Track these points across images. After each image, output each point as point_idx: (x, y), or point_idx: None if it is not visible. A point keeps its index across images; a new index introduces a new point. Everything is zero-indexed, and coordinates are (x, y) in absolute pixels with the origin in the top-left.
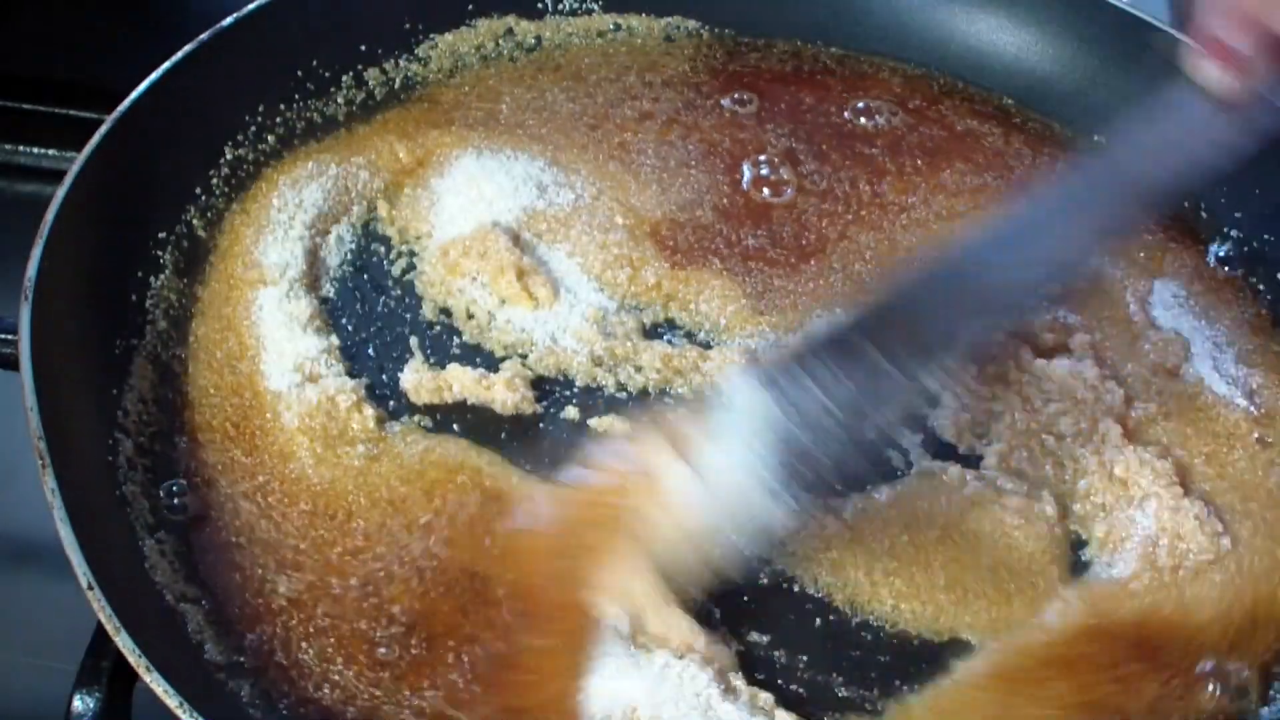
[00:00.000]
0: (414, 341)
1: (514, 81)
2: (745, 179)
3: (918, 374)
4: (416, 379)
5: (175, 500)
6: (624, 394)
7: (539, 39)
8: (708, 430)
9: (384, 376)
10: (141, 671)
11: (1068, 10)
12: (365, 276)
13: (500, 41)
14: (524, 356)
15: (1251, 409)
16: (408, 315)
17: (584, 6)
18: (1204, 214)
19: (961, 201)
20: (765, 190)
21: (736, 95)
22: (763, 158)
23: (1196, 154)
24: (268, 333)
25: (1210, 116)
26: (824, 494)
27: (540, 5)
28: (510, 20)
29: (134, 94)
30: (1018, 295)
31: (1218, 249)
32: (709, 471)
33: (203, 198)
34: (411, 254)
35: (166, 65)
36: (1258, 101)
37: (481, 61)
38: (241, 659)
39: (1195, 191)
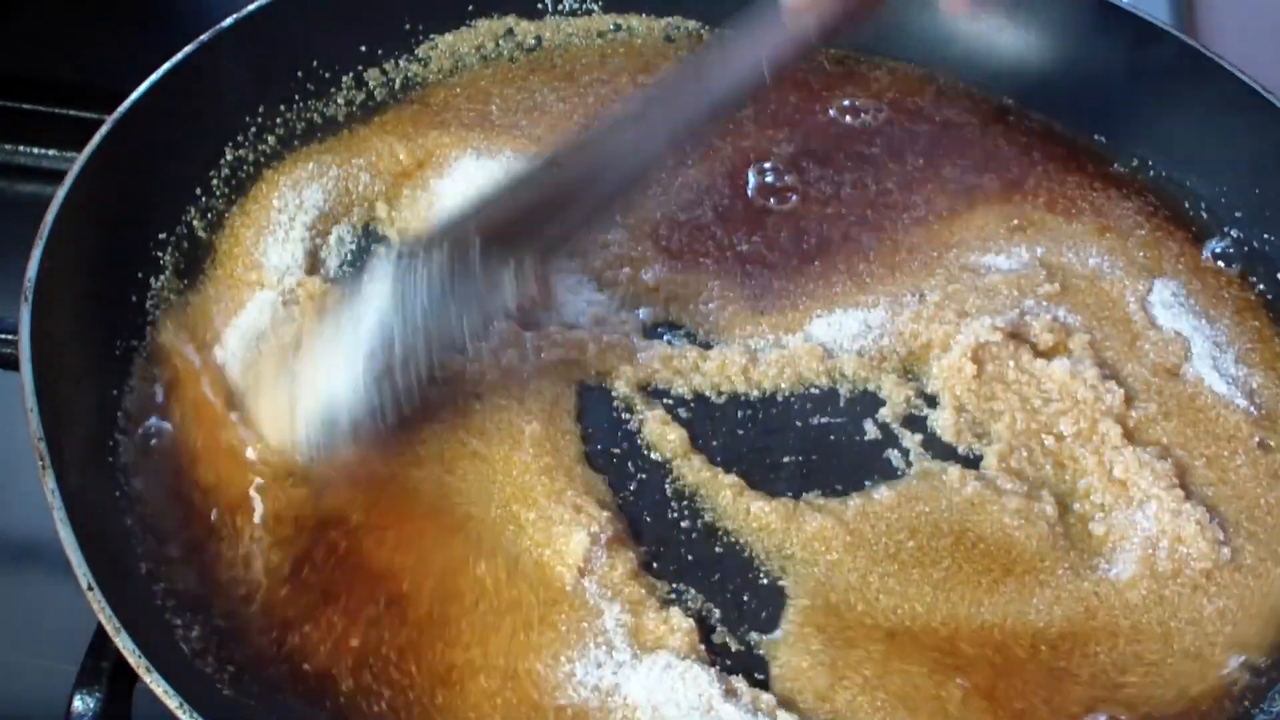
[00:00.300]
0: None
1: (505, 82)
2: (750, 185)
3: (506, 278)
4: None
5: None
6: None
7: (539, 39)
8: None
9: None
10: (141, 672)
11: (1069, 10)
12: None
13: (500, 42)
14: None
15: (1252, 410)
16: None
17: (584, 7)
18: (1203, 212)
19: (962, 201)
20: (769, 196)
21: None
22: (767, 165)
23: (759, 65)
24: None
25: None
26: (403, 394)
27: (540, 5)
28: (510, 20)
29: (134, 94)
30: (607, 203)
31: (1216, 246)
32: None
33: (203, 198)
34: None
35: (167, 65)
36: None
37: (481, 62)
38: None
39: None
